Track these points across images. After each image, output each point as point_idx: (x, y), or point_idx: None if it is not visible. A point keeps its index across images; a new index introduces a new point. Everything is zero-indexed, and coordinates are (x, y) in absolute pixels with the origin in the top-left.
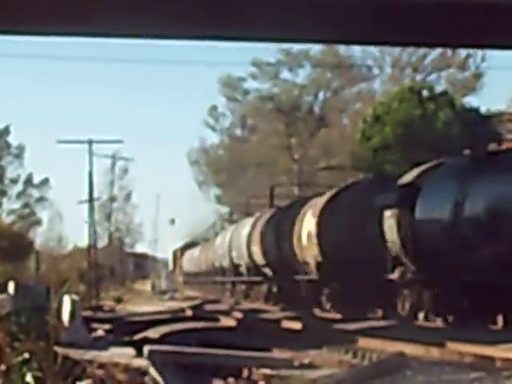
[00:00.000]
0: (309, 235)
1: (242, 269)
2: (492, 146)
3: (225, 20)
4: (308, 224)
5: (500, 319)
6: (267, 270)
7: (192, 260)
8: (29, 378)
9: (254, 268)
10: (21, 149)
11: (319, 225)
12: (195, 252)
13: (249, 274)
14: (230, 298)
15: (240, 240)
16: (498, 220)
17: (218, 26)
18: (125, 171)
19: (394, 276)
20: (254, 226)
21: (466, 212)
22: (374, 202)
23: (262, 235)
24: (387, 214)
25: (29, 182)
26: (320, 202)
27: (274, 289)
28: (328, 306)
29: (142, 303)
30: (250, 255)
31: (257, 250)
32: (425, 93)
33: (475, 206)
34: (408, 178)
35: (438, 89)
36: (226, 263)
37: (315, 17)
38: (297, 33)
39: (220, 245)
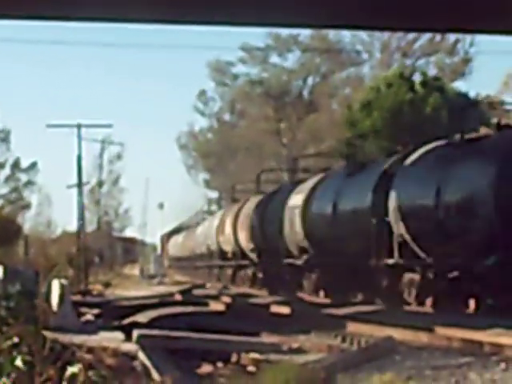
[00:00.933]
0: (293, 221)
1: (229, 254)
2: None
3: (214, 5)
4: (293, 210)
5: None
6: (253, 255)
7: (178, 245)
8: (18, 362)
9: (240, 253)
10: (6, 133)
11: (303, 211)
12: (182, 237)
13: (235, 259)
14: (217, 282)
15: (226, 225)
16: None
17: (207, 10)
18: (114, 156)
19: (300, 262)
20: (239, 211)
21: (339, 209)
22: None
23: (250, 220)
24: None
25: (16, 166)
26: (305, 188)
27: (260, 274)
28: (311, 290)
29: (130, 287)
30: (237, 240)
31: (243, 236)
32: (416, 78)
33: (344, 205)
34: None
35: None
36: (213, 248)
37: (304, 1)
38: (286, 17)
39: (207, 230)
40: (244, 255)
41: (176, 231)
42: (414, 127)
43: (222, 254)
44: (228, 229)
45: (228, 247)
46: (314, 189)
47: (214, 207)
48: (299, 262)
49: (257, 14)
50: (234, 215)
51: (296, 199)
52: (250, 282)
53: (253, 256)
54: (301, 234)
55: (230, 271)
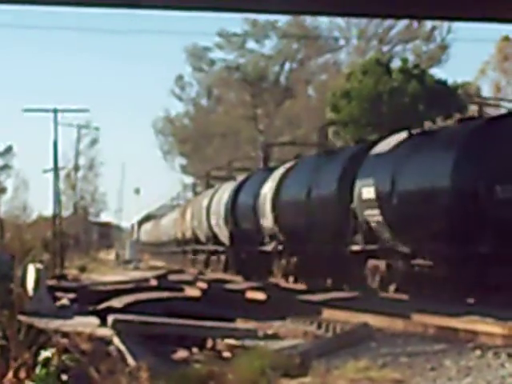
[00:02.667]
0: (264, 208)
1: (203, 239)
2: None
3: None
4: (264, 197)
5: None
6: (226, 241)
7: (153, 231)
8: None
9: (213, 238)
10: None
11: (274, 198)
12: (157, 223)
13: (209, 245)
14: (192, 268)
15: (200, 211)
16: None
17: None
18: (90, 140)
19: (269, 248)
20: (213, 197)
21: (308, 196)
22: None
23: (222, 206)
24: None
25: None
26: (276, 175)
27: (232, 259)
28: (280, 276)
29: (106, 272)
30: (210, 226)
31: (215, 221)
32: (393, 64)
33: (312, 192)
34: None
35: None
36: (187, 234)
37: None
38: (264, 3)
39: (182, 215)
40: (217, 241)
41: (150, 217)
42: (392, 115)
43: (196, 240)
44: (202, 214)
45: (202, 233)
46: (283, 176)
47: (189, 193)
48: (269, 249)
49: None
50: (207, 201)
51: (266, 186)
52: (223, 267)
53: (226, 242)
54: (271, 221)
55: (203, 257)
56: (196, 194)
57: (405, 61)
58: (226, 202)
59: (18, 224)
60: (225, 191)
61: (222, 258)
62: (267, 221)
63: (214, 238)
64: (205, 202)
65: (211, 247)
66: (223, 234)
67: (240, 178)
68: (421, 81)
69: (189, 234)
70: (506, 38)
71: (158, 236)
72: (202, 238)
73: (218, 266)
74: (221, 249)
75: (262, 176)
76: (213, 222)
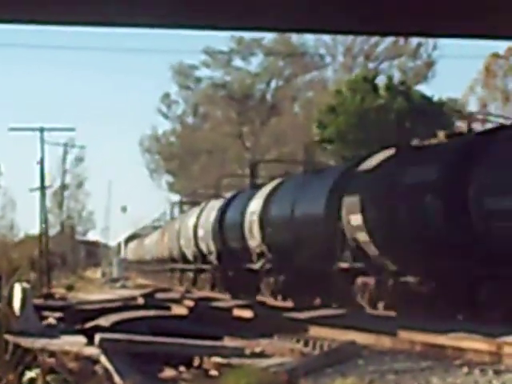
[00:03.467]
0: (251, 226)
1: (190, 257)
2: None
3: (177, 8)
4: (251, 215)
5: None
6: (213, 259)
7: (140, 249)
8: None
9: (200, 256)
10: None
11: (261, 216)
12: (143, 241)
13: (196, 263)
14: (179, 286)
15: (187, 229)
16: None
17: (171, 14)
18: (77, 159)
19: (256, 266)
20: (200, 215)
21: (296, 214)
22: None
23: (209, 224)
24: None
25: None
26: (263, 193)
27: (220, 277)
28: (268, 294)
29: (93, 291)
30: (197, 244)
31: (201, 239)
32: (380, 81)
33: (300, 210)
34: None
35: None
36: (175, 251)
37: (268, 7)
38: (249, 21)
39: (169, 233)
40: (204, 259)
41: (136, 235)
42: (379, 132)
43: (184, 258)
44: (189, 232)
45: (189, 251)
46: (270, 194)
47: (176, 211)
48: (256, 267)
49: (223, 17)
50: (194, 219)
51: (253, 204)
52: (210, 285)
53: (213, 260)
54: (258, 239)
55: (191, 274)
56: (182, 211)
57: (390, 78)
58: (214, 220)
59: (5, 243)
60: (212, 209)
61: (209, 275)
62: (254, 239)
63: (202, 256)
64: (192, 220)
65: (198, 265)
66: (210, 252)
67: (227, 195)
68: (407, 97)
69: (176, 253)
70: (495, 55)
71: (143, 254)
72: (190, 255)
73: (206, 284)
74: (208, 267)
75: (249, 194)
76: (200, 239)
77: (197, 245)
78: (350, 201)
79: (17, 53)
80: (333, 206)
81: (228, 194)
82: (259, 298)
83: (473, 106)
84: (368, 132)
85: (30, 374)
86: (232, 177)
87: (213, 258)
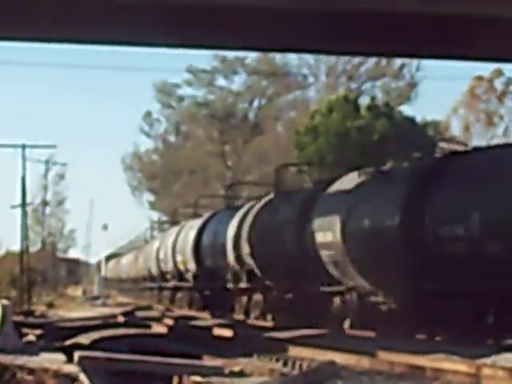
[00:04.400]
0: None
1: (168, 276)
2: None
3: (160, 26)
4: (228, 236)
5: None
6: (190, 278)
7: (120, 267)
8: None
9: (178, 275)
10: None
11: (236, 238)
12: (123, 259)
13: (174, 281)
14: (158, 304)
15: (166, 248)
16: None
17: (155, 32)
18: (58, 176)
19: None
20: (178, 235)
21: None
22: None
23: (187, 244)
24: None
25: None
26: (239, 214)
27: (196, 296)
28: (241, 312)
29: (74, 309)
30: (175, 263)
31: (179, 259)
32: (362, 101)
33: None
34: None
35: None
36: (153, 270)
37: (252, 26)
38: (233, 40)
39: (148, 252)
40: (182, 277)
41: (117, 254)
42: (360, 153)
43: (162, 276)
44: (167, 251)
45: (167, 269)
46: (244, 216)
47: (156, 230)
48: (230, 286)
49: (206, 36)
50: (173, 238)
51: (230, 226)
52: (187, 303)
53: (190, 278)
54: (233, 259)
55: (169, 293)
56: (162, 230)
57: (373, 98)
58: (191, 240)
59: None
60: (190, 228)
61: (187, 294)
62: (230, 259)
63: (179, 275)
64: (170, 239)
65: (176, 284)
66: (188, 271)
67: (206, 215)
68: (389, 118)
69: (155, 270)
70: (479, 78)
71: (120, 273)
72: (168, 274)
73: (183, 302)
74: (186, 285)
75: (226, 215)
76: (178, 258)
77: (175, 263)
78: (324, 220)
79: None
80: (302, 228)
81: (206, 214)
82: (238, 316)
83: (455, 129)
84: (348, 153)
85: None
86: (211, 197)
87: (190, 276)
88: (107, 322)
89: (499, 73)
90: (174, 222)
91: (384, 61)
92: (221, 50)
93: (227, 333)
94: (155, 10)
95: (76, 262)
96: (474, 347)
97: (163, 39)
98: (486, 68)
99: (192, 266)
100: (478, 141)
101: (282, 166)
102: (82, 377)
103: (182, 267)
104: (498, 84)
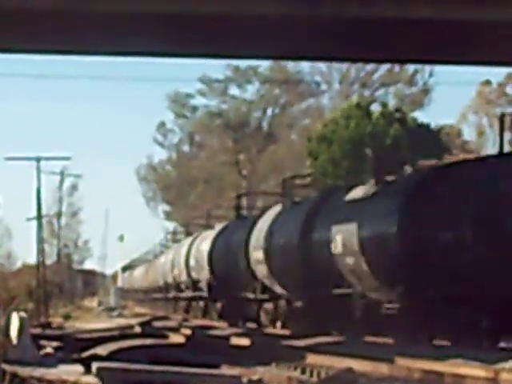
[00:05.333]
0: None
1: (183, 286)
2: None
3: (173, 37)
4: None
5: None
6: (204, 288)
7: (136, 278)
8: None
9: (192, 285)
10: None
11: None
12: (138, 270)
13: (188, 292)
14: (173, 314)
15: (180, 259)
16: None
17: (167, 42)
18: (73, 187)
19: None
20: (192, 245)
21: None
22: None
23: (201, 254)
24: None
25: None
26: (264, 222)
27: (211, 305)
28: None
29: (90, 320)
30: (189, 273)
31: (193, 268)
32: (375, 108)
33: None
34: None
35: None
36: (169, 281)
37: (265, 34)
38: (246, 49)
39: (163, 263)
40: (196, 287)
41: (133, 265)
42: (374, 159)
43: (177, 287)
44: (181, 262)
45: (182, 280)
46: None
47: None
48: (251, 296)
49: (219, 46)
50: (186, 249)
51: (254, 234)
52: (202, 313)
53: (204, 288)
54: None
55: (184, 303)
56: (176, 241)
57: (384, 105)
58: (206, 250)
59: (2, 272)
60: (203, 239)
61: (201, 304)
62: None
63: (194, 285)
64: (184, 250)
65: (190, 294)
66: (203, 281)
67: (218, 226)
68: (403, 124)
69: (170, 281)
70: (487, 82)
71: (136, 283)
72: (182, 284)
73: (198, 311)
74: (199, 295)
75: (245, 224)
76: (192, 268)
77: (188, 274)
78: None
79: (12, 82)
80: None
81: (219, 225)
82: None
83: (468, 133)
84: (362, 160)
85: None
86: (225, 208)
87: (204, 286)
88: (124, 333)
89: (511, 77)
90: (188, 233)
91: (397, 67)
92: (233, 59)
93: (244, 342)
94: (168, 20)
95: (92, 273)
96: (491, 352)
97: (176, 49)
98: (500, 73)
99: (206, 276)
100: (492, 146)
101: (290, 177)
102: None
103: (195, 277)
104: (511, 89)
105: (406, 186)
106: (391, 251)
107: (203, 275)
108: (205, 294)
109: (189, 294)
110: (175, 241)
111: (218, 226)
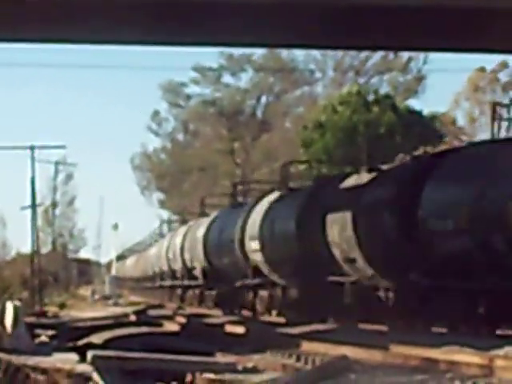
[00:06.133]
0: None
1: (178, 274)
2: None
3: (166, 25)
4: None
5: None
6: (199, 276)
7: (132, 266)
8: None
9: (187, 273)
10: None
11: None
12: (135, 258)
13: (183, 280)
14: (168, 302)
15: (175, 247)
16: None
17: (160, 31)
18: (68, 176)
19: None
20: (187, 234)
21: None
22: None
23: (195, 242)
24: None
25: None
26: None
27: (207, 293)
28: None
29: (85, 309)
30: (184, 261)
31: (188, 257)
32: (370, 97)
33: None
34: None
35: (381, 92)
36: (164, 269)
37: (260, 22)
38: (239, 37)
39: (158, 251)
40: (191, 275)
41: (127, 253)
42: (368, 147)
43: (172, 275)
44: (176, 250)
45: (177, 268)
46: (269, 208)
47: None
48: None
49: (212, 34)
50: (181, 237)
51: (251, 220)
52: (197, 301)
53: (199, 276)
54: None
55: (179, 291)
56: (171, 229)
57: (376, 92)
58: (200, 238)
59: None
60: (198, 228)
61: (196, 292)
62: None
63: (188, 273)
64: (179, 238)
65: (186, 282)
66: (198, 269)
67: (213, 214)
68: (396, 112)
69: (165, 269)
70: (482, 69)
71: (131, 272)
72: (178, 272)
73: (193, 299)
74: (194, 283)
75: (233, 212)
76: (186, 257)
77: (183, 262)
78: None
79: (5, 71)
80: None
81: (214, 213)
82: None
83: (462, 120)
84: (357, 148)
85: None
86: (220, 195)
87: (198, 274)
88: (119, 321)
89: (504, 65)
90: (183, 221)
91: (391, 55)
92: (227, 47)
93: (239, 329)
94: (160, 7)
95: (87, 262)
96: (486, 339)
97: (169, 37)
98: (493, 60)
99: (201, 264)
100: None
101: (287, 162)
102: (96, 376)
103: (190, 265)
104: (504, 76)
105: (400, 174)
106: (387, 238)
107: (198, 263)
108: (200, 282)
109: (184, 282)
110: (170, 229)
111: (213, 214)
